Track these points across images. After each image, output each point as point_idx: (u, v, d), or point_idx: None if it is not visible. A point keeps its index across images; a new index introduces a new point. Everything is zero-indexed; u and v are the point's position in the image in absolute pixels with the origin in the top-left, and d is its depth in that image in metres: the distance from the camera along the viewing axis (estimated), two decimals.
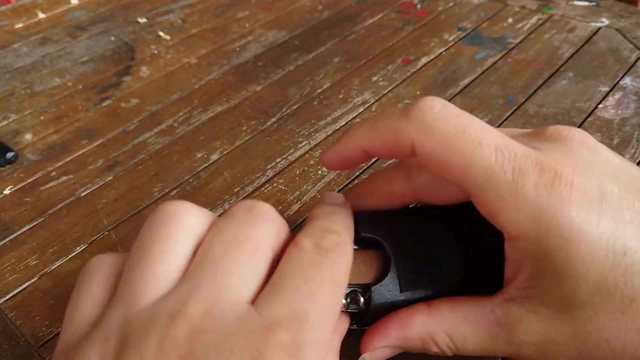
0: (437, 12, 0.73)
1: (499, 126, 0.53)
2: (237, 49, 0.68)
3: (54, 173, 0.51)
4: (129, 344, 0.19)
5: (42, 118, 0.58)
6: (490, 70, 0.61)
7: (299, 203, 0.45)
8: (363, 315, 0.26)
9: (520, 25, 0.69)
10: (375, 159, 0.46)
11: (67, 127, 0.57)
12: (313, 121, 0.55)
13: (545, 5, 0.73)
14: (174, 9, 0.78)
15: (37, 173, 0.51)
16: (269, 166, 0.50)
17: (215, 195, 0.47)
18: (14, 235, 0.45)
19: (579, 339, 0.23)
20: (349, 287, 0.26)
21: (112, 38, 0.72)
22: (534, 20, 0.70)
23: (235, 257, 0.21)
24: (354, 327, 0.34)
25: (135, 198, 0.47)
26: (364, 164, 0.35)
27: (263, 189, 0.47)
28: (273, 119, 0.56)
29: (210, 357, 0.18)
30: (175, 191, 0.48)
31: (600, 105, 0.54)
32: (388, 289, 0.26)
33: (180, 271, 0.22)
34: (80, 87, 0.63)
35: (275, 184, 0.47)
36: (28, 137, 0.56)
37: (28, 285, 0.41)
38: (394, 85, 0.60)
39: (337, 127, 0.54)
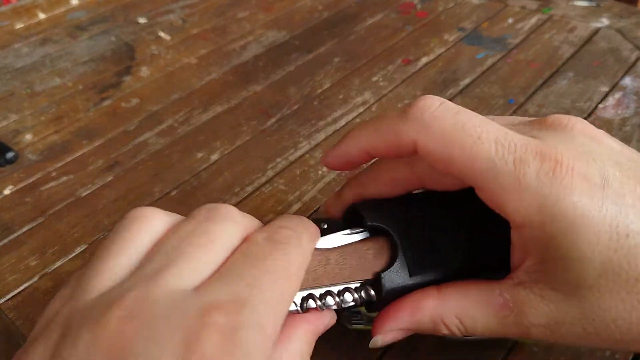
0: (437, 13, 0.73)
1: None
2: (237, 49, 0.68)
3: (54, 173, 0.51)
4: (66, 336, 0.19)
5: (42, 118, 0.58)
6: (490, 70, 0.61)
7: (299, 203, 0.45)
8: (374, 302, 0.27)
9: (520, 25, 0.69)
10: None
11: (67, 127, 0.57)
12: (313, 121, 0.55)
13: (545, 6, 0.73)
14: (174, 9, 0.78)
15: (37, 173, 0.51)
16: (269, 166, 0.50)
17: (216, 196, 0.47)
18: (14, 235, 0.45)
19: (587, 320, 0.23)
20: (357, 281, 0.26)
21: (113, 38, 0.72)
22: (534, 20, 0.70)
23: (187, 249, 0.22)
24: (358, 326, 0.34)
25: (136, 198, 0.48)
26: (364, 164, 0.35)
27: (263, 189, 0.47)
28: (273, 119, 0.56)
29: (140, 340, 0.18)
30: (175, 191, 0.48)
31: (600, 105, 0.54)
32: (398, 275, 0.26)
33: (131, 267, 0.22)
34: (81, 87, 0.63)
35: (275, 184, 0.47)
36: (28, 137, 0.56)
37: (28, 286, 0.41)
38: (394, 85, 0.60)
39: (337, 127, 0.54)
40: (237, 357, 0.18)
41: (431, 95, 0.25)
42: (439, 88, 0.59)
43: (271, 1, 0.78)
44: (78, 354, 0.18)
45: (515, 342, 0.35)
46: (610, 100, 0.55)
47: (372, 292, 0.26)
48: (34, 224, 0.46)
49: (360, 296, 0.26)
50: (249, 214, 0.26)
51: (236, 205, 0.40)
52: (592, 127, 0.26)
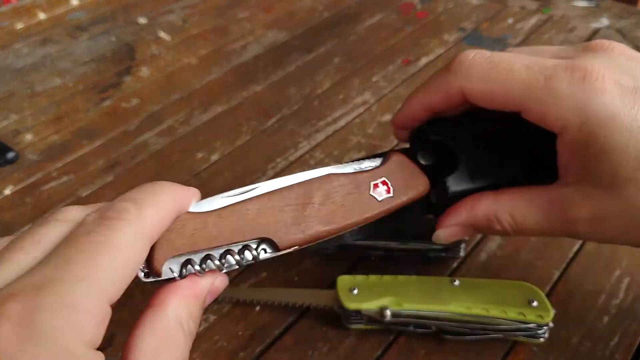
0: (437, 13, 0.73)
1: None
2: (237, 50, 0.68)
3: (54, 173, 0.51)
4: None
5: (42, 118, 0.58)
6: None
7: None
8: (439, 205, 0.31)
9: (520, 25, 0.69)
10: None
11: (67, 127, 0.57)
12: (313, 121, 0.55)
13: (545, 6, 0.73)
14: (174, 10, 0.78)
15: (37, 173, 0.51)
16: (270, 166, 0.50)
17: None
18: (14, 235, 0.45)
19: (626, 213, 0.26)
20: (240, 242, 0.26)
21: (113, 38, 0.72)
22: (533, 20, 0.70)
23: (5, 255, 0.22)
24: (358, 326, 0.35)
25: None
26: None
27: None
28: (273, 119, 0.56)
29: None
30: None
31: None
32: (460, 179, 0.30)
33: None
34: (81, 87, 0.63)
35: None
36: (28, 137, 0.56)
37: None
38: (394, 85, 0.60)
39: (337, 128, 0.54)
40: (34, 342, 0.18)
41: (468, 50, 0.30)
42: None
43: (271, 1, 0.78)
44: None
45: (515, 342, 0.35)
46: None
47: (255, 252, 0.26)
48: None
49: (243, 257, 0.26)
50: None
51: None
52: (633, 50, 0.29)
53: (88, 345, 0.20)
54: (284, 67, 0.64)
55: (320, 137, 0.53)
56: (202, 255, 0.25)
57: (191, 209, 0.26)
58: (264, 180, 0.28)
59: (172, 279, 0.24)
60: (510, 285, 0.35)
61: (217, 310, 0.38)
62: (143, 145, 0.54)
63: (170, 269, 0.25)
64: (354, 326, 0.36)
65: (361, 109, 0.57)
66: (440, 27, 0.70)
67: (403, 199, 0.29)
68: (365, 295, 0.35)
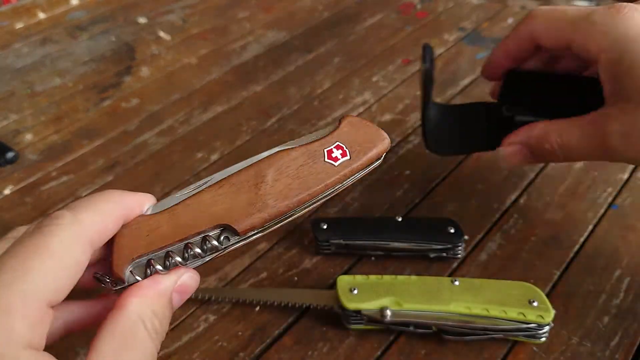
0: (437, 13, 0.73)
1: None
2: (237, 49, 0.68)
3: (54, 173, 0.51)
4: None
5: (42, 118, 0.58)
6: None
7: None
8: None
9: None
10: None
11: (67, 127, 0.57)
12: (313, 121, 0.55)
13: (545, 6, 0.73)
14: (174, 9, 0.78)
15: (37, 173, 0.51)
16: None
17: None
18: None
19: None
20: (197, 235, 0.26)
21: (113, 38, 0.72)
22: None
23: None
24: (358, 326, 0.34)
25: None
26: None
27: None
28: (273, 119, 0.56)
29: None
30: (175, 191, 0.48)
31: None
32: (526, 113, 0.38)
33: None
34: (81, 87, 0.63)
35: None
36: (28, 137, 0.56)
37: None
38: (394, 85, 0.60)
39: None
40: None
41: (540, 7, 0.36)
42: (439, 88, 0.59)
43: (271, 1, 0.78)
44: None
45: (515, 342, 0.35)
46: None
47: (216, 242, 0.26)
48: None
49: (206, 247, 0.26)
50: None
51: None
52: None
53: (24, 346, 0.20)
54: (284, 67, 0.64)
55: None
56: (163, 254, 0.25)
57: (147, 213, 0.26)
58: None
59: (137, 282, 0.25)
60: (510, 285, 0.35)
61: (217, 310, 0.38)
62: (143, 145, 0.54)
63: (131, 272, 0.25)
64: (354, 326, 0.36)
65: (361, 109, 0.57)
66: (440, 27, 0.70)
67: (363, 158, 0.28)
68: (365, 295, 0.35)
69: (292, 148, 0.28)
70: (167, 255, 0.25)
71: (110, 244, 0.25)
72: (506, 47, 0.39)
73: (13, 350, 0.19)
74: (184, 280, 0.26)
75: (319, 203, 0.28)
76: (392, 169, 0.49)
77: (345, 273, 0.40)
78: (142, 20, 0.76)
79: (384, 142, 0.29)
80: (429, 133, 0.42)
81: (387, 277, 0.36)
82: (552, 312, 0.33)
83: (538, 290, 0.34)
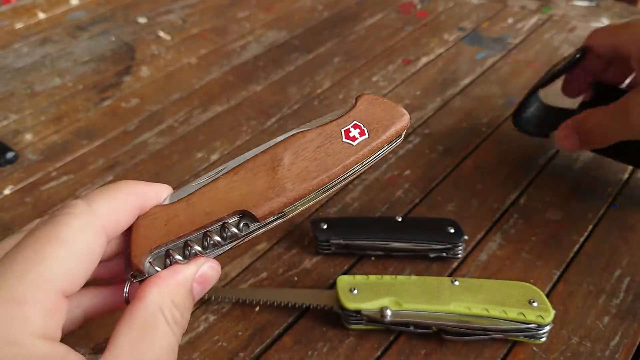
0: (437, 13, 0.73)
1: (499, 126, 0.53)
2: (237, 49, 0.68)
3: (54, 173, 0.51)
4: None
5: (42, 118, 0.58)
6: (490, 70, 0.61)
7: None
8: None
9: (520, 25, 0.69)
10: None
11: (67, 127, 0.57)
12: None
13: (545, 6, 0.73)
14: (174, 9, 0.78)
15: (37, 173, 0.51)
16: None
17: None
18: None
19: None
20: (215, 223, 0.25)
21: (113, 38, 0.72)
22: (534, 20, 0.70)
23: None
24: (358, 326, 0.34)
25: None
26: None
27: None
28: (273, 119, 0.56)
29: None
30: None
31: None
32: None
33: None
34: (81, 87, 0.63)
35: None
36: (28, 137, 0.56)
37: None
38: (394, 85, 0.60)
39: None
40: None
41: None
42: (438, 88, 0.59)
43: (271, 1, 0.78)
44: None
45: (515, 342, 0.35)
46: None
47: (235, 229, 0.25)
48: None
49: (225, 235, 0.25)
50: None
51: None
52: None
53: (39, 336, 0.20)
54: (284, 67, 0.64)
55: None
56: (181, 243, 0.25)
57: (164, 203, 0.25)
58: None
59: (157, 273, 0.24)
60: (510, 285, 0.35)
61: (217, 310, 0.38)
62: (143, 145, 0.54)
63: (150, 263, 0.24)
64: (354, 326, 0.36)
65: None
66: (440, 27, 0.70)
67: (382, 136, 0.27)
68: (365, 295, 0.35)
69: (308, 130, 0.27)
70: (186, 245, 0.25)
71: (127, 236, 0.25)
72: (586, 66, 0.46)
73: (28, 339, 0.19)
74: (204, 270, 0.25)
75: (339, 186, 0.27)
76: (392, 169, 0.49)
77: (345, 273, 0.40)
78: (142, 20, 0.76)
79: (404, 119, 0.28)
80: (523, 114, 0.49)
81: (387, 277, 0.36)
82: (552, 312, 0.33)
83: (538, 290, 0.34)
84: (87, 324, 0.26)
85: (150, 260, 0.24)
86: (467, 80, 0.60)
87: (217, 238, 0.25)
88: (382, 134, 0.27)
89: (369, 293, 0.35)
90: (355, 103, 0.28)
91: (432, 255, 0.40)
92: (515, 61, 0.63)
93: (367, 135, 0.27)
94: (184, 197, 0.25)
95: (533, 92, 0.48)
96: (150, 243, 0.24)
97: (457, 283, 0.35)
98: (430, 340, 0.36)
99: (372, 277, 0.36)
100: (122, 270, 0.25)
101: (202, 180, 0.26)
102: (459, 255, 0.40)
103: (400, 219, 0.41)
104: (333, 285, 0.36)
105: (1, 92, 0.63)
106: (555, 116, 0.47)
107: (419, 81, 0.60)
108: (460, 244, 0.39)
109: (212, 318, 0.38)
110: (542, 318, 0.33)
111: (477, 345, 0.35)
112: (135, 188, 0.25)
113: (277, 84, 0.62)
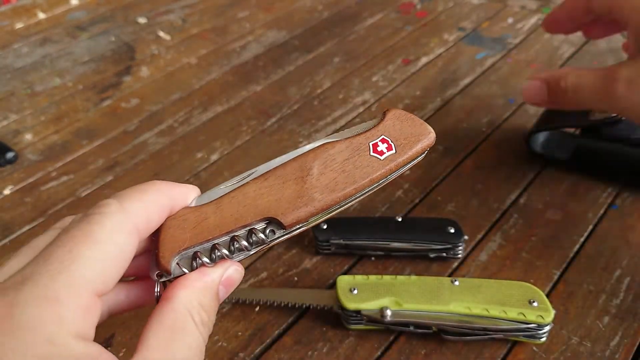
0: (437, 12, 0.73)
1: (499, 126, 0.53)
2: (237, 49, 0.68)
3: (54, 173, 0.51)
4: None
5: (42, 118, 0.58)
6: (490, 70, 0.61)
7: None
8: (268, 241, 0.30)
9: (520, 25, 0.69)
10: None
11: (67, 127, 0.57)
12: (313, 121, 0.55)
13: (545, 5, 0.73)
14: (174, 9, 0.78)
15: (37, 173, 0.51)
16: None
17: None
18: (14, 235, 0.45)
19: None
20: (243, 228, 0.26)
21: (113, 38, 0.72)
22: (533, 20, 0.70)
23: (7, 263, 0.23)
24: (358, 326, 0.34)
25: None
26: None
27: None
28: (273, 119, 0.56)
29: None
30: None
31: None
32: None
33: None
34: (81, 87, 0.63)
35: None
36: (28, 137, 0.56)
37: None
38: (394, 85, 0.60)
39: (337, 127, 0.54)
40: (14, 334, 0.19)
41: None
42: (438, 88, 0.59)
43: (271, 1, 0.78)
44: None
45: (515, 342, 0.35)
46: None
47: (262, 235, 0.26)
48: (34, 224, 0.46)
49: (251, 241, 0.26)
50: None
51: None
52: None
53: (74, 335, 0.20)
54: (284, 67, 0.64)
55: (320, 136, 0.53)
56: (209, 246, 0.25)
57: (192, 204, 0.26)
58: None
59: (184, 275, 0.25)
60: (510, 285, 0.35)
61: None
62: (143, 145, 0.54)
63: (178, 264, 0.25)
64: (354, 326, 0.36)
65: (361, 109, 0.57)
66: (440, 27, 0.70)
67: (409, 152, 0.28)
68: (365, 295, 0.35)
69: (336, 141, 0.27)
70: (214, 248, 0.25)
71: (155, 236, 0.25)
72: (567, 4, 0.43)
73: (63, 339, 0.19)
74: (230, 273, 0.26)
75: (363, 196, 0.28)
76: None
77: (345, 273, 0.40)
78: (142, 20, 0.76)
79: (430, 137, 0.28)
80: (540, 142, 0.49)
81: (387, 277, 0.36)
82: (552, 312, 0.33)
83: (538, 290, 0.34)
84: None
85: (178, 261, 0.25)
86: (467, 80, 0.60)
87: (245, 243, 0.26)
88: (408, 150, 0.27)
89: (369, 293, 0.35)
90: (384, 117, 0.28)
91: (432, 255, 0.40)
92: (515, 61, 0.63)
93: (394, 151, 0.28)
94: (214, 201, 0.26)
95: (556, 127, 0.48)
96: (178, 245, 0.25)
97: (457, 283, 0.35)
98: (430, 340, 0.36)
99: (372, 277, 0.36)
100: (146, 268, 0.26)
101: (231, 183, 0.27)
102: (459, 255, 0.40)
103: (400, 219, 0.41)
104: (333, 285, 0.36)
105: (1, 92, 0.63)
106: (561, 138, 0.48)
107: (419, 81, 0.60)
108: (460, 244, 0.39)
109: None
110: (542, 318, 0.33)
111: (477, 345, 0.35)
112: (165, 189, 0.25)
113: (277, 84, 0.62)
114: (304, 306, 0.37)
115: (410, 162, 0.28)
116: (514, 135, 0.50)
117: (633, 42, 0.37)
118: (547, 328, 0.34)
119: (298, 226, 0.26)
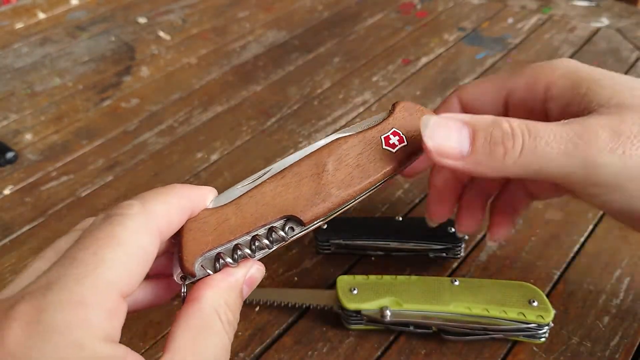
0: (437, 12, 0.73)
1: None
2: (237, 49, 0.68)
3: (54, 173, 0.51)
4: None
5: (42, 118, 0.58)
6: (490, 70, 0.61)
7: None
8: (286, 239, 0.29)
9: (520, 25, 0.69)
10: None
11: (67, 127, 0.57)
12: (313, 121, 0.55)
13: (545, 6, 0.73)
14: (174, 9, 0.78)
15: (37, 173, 0.51)
16: None
17: None
18: (14, 235, 0.45)
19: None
20: (264, 226, 0.26)
21: (113, 38, 0.72)
22: (534, 20, 0.70)
23: (31, 264, 0.23)
24: (358, 326, 0.34)
25: None
26: None
27: None
28: (273, 119, 0.56)
29: None
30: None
31: None
32: None
33: None
34: (81, 87, 0.63)
35: None
36: (28, 137, 0.56)
37: None
38: (394, 85, 0.60)
39: (337, 127, 0.54)
40: (42, 338, 0.19)
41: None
42: (438, 88, 0.59)
43: (271, 1, 0.78)
44: None
45: (515, 342, 0.35)
46: None
47: (282, 233, 0.26)
48: (34, 224, 0.46)
49: (272, 239, 0.26)
50: None
51: None
52: None
53: (101, 338, 0.20)
54: (284, 67, 0.64)
55: (320, 136, 0.53)
56: (231, 246, 0.26)
57: (210, 206, 0.26)
58: None
59: (208, 275, 0.25)
60: (510, 285, 0.35)
61: None
62: (143, 145, 0.54)
63: (202, 266, 0.25)
64: (354, 326, 0.36)
65: (361, 109, 0.57)
66: (440, 27, 0.70)
67: (420, 144, 0.28)
68: (365, 295, 0.35)
69: (349, 135, 0.28)
70: (235, 248, 0.26)
71: (176, 238, 0.25)
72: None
73: (91, 342, 0.20)
74: (253, 272, 0.26)
75: (377, 189, 0.28)
76: None
77: (345, 273, 0.40)
78: (142, 20, 0.76)
79: None
80: None
81: (387, 277, 0.36)
82: (552, 312, 0.33)
83: (538, 290, 0.34)
84: None
85: (201, 263, 0.25)
86: (467, 80, 0.60)
87: (266, 241, 0.26)
88: (419, 142, 0.28)
89: (369, 293, 0.35)
90: (393, 110, 0.29)
91: (432, 255, 0.40)
92: (515, 61, 0.63)
93: (405, 143, 0.28)
94: (233, 201, 0.26)
95: None
96: (201, 247, 0.25)
97: (457, 283, 0.35)
98: (430, 340, 0.36)
99: (372, 277, 0.36)
100: (165, 268, 0.26)
101: (247, 182, 0.27)
102: (459, 255, 0.40)
103: (400, 219, 0.41)
104: (333, 285, 0.36)
105: (1, 92, 0.63)
106: None
107: (419, 81, 0.60)
108: (460, 244, 0.39)
109: None
110: (542, 318, 0.33)
111: (477, 345, 0.35)
112: (186, 191, 0.25)
113: (277, 84, 0.62)
114: (304, 306, 0.37)
115: (419, 153, 0.28)
116: None
117: (560, 110, 0.28)
118: (547, 328, 0.34)
119: (316, 222, 0.27)
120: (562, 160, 0.25)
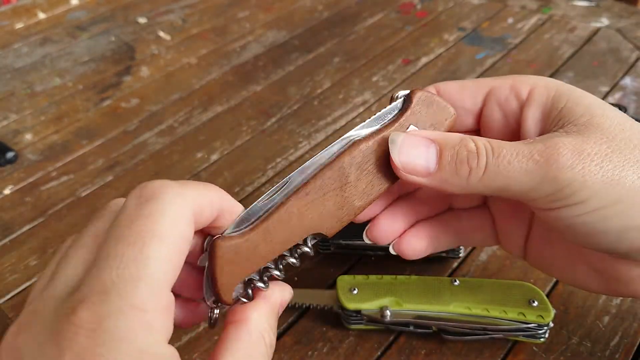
0: (437, 12, 0.73)
1: None
2: (237, 49, 0.68)
3: (54, 173, 0.51)
4: None
5: (42, 118, 0.58)
6: (490, 70, 0.61)
7: None
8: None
9: (520, 25, 0.69)
10: None
11: (67, 127, 0.57)
12: (313, 121, 0.55)
13: (545, 6, 0.73)
14: (174, 9, 0.78)
15: (37, 173, 0.51)
16: (269, 166, 0.50)
17: None
18: (14, 235, 0.45)
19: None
20: (294, 246, 0.26)
21: (113, 38, 0.72)
22: (534, 20, 0.70)
23: (72, 253, 0.22)
24: (358, 326, 0.34)
25: None
26: None
27: (263, 189, 0.47)
28: (273, 119, 0.56)
29: (27, 352, 0.20)
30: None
31: None
32: None
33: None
34: (81, 87, 0.63)
35: (275, 184, 0.47)
36: (28, 137, 0.56)
37: (28, 286, 0.41)
38: (394, 85, 0.60)
39: (337, 127, 0.54)
40: (109, 346, 0.19)
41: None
42: None
43: (271, 1, 0.78)
44: None
45: (515, 342, 0.35)
46: (610, 101, 0.55)
47: (306, 248, 0.27)
48: (34, 223, 0.46)
49: (297, 256, 0.27)
50: None
51: None
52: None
53: (161, 340, 0.20)
54: (284, 67, 0.64)
55: (320, 136, 0.53)
56: (260, 269, 0.26)
57: (236, 224, 0.26)
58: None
59: (239, 300, 0.25)
60: (510, 285, 0.35)
61: None
62: (143, 145, 0.54)
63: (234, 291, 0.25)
64: (354, 326, 0.36)
65: (361, 109, 0.57)
66: (440, 27, 0.70)
67: None
68: (365, 295, 0.35)
69: (367, 137, 0.27)
70: (265, 270, 0.26)
71: (205, 262, 0.25)
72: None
73: (153, 347, 0.20)
74: (285, 295, 0.27)
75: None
76: None
77: (345, 273, 0.40)
78: (142, 20, 0.76)
79: (452, 117, 0.29)
80: None
81: (387, 277, 0.36)
82: (552, 312, 0.33)
83: (538, 290, 0.34)
84: None
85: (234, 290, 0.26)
86: None
87: (293, 260, 0.27)
88: None
89: (369, 293, 0.35)
90: (410, 101, 0.28)
91: (432, 255, 0.40)
92: (515, 61, 0.63)
93: None
94: (259, 225, 0.26)
95: None
96: (236, 278, 0.25)
97: (457, 283, 0.35)
98: (430, 340, 0.36)
99: (372, 277, 0.36)
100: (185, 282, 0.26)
101: (267, 197, 0.27)
102: (459, 255, 0.40)
103: None
104: (333, 285, 0.36)
105: (1, 92, 0.63)
106: None
107: (419, 81, 0.60)
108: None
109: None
110: (542, 318, 0.33)
111: (477, 345, 0.35)
112: (222, 193, 0.25)
113: (277, 84, 0.62)
114: (304, 306, 0.37)
115: None
116: None
117: (538, 118, 0.29)
118: (547, 328, 0.34)
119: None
120: (523, 178, 0.25)
